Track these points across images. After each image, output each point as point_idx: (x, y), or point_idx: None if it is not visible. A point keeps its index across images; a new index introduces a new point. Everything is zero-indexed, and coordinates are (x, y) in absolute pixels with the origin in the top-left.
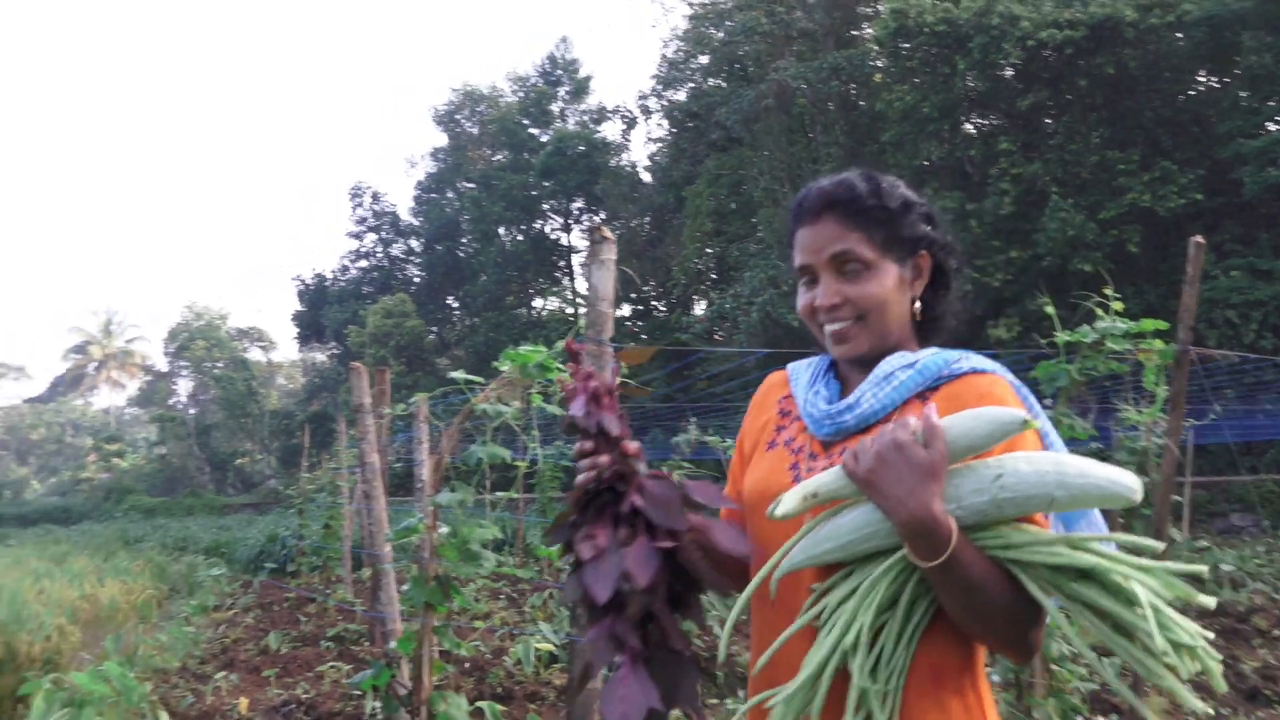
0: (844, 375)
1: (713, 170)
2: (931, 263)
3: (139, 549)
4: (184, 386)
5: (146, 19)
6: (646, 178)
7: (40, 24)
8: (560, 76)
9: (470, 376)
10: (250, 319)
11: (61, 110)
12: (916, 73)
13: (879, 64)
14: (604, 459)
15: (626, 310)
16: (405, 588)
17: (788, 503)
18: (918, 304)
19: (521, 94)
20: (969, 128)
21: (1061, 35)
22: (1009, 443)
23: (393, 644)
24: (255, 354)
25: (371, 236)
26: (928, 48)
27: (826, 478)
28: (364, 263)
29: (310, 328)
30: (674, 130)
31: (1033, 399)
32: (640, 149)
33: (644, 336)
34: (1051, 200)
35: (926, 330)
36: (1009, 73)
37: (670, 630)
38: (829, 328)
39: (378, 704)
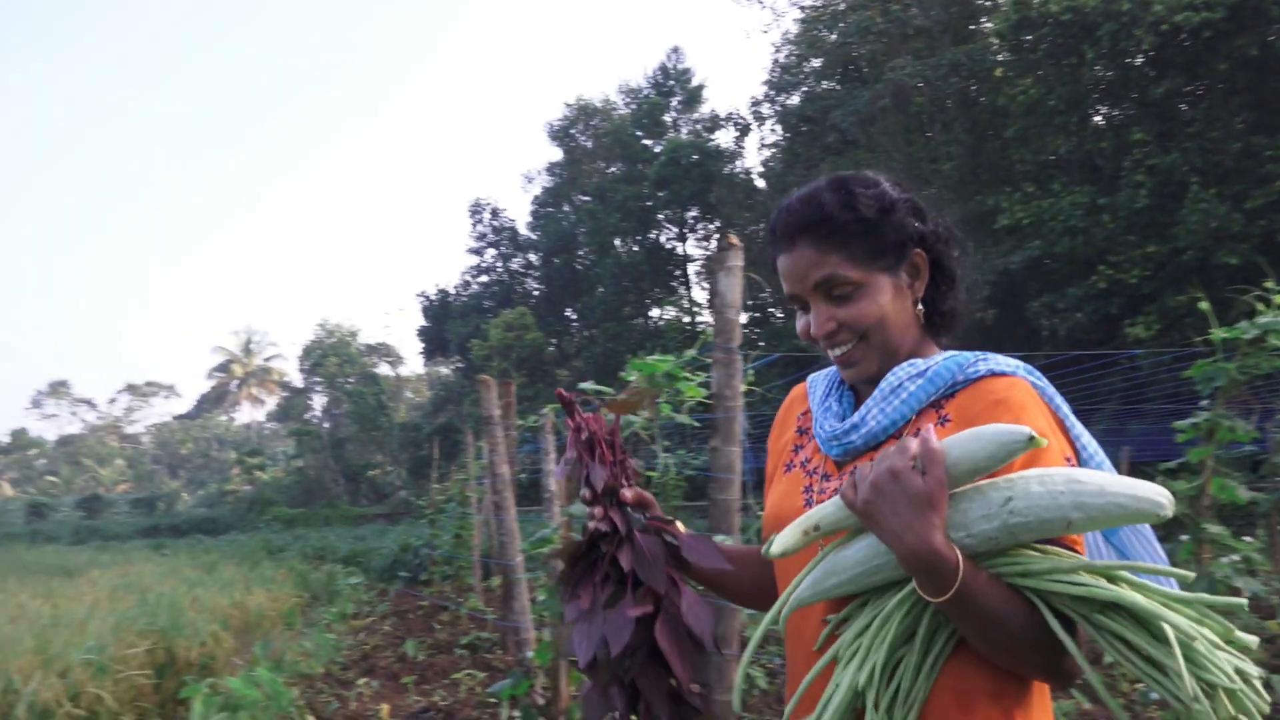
0: (858, 386)
1: (829, 174)
2: (929, 259)
3: (281, 558)
4: (318, 401)
5: (259, 42)
6: (761, 184)
7: (184, 48)
8: (672, 86)
9: (599, 387)
10: (379, 335)
11: (198, 144)
12: (1040, 65)
13: (1000, 58)
14: (598, 511)
15: (744, 318)
16: (538, 597)
17: (784, 540)
18: (921, 306)
19: (634, 106)
20: (1098, 119)
21: (1198, 18)
22: (1028, 458)
23: (529, 653)
24: (384, 369)
25: (491, 252)
26: (1052, 38)
27: (828, 509)
28: (485, 277)
29: (435, 342)
30: (788, 135)
31: (1062, 403)
32: (754, 155)
33: (761, 344)
34: (1191, 191)
35: (939, 328)
36: (1141, 60)
37: (651, 696)
38: (832, 354)
39: (515, 713)
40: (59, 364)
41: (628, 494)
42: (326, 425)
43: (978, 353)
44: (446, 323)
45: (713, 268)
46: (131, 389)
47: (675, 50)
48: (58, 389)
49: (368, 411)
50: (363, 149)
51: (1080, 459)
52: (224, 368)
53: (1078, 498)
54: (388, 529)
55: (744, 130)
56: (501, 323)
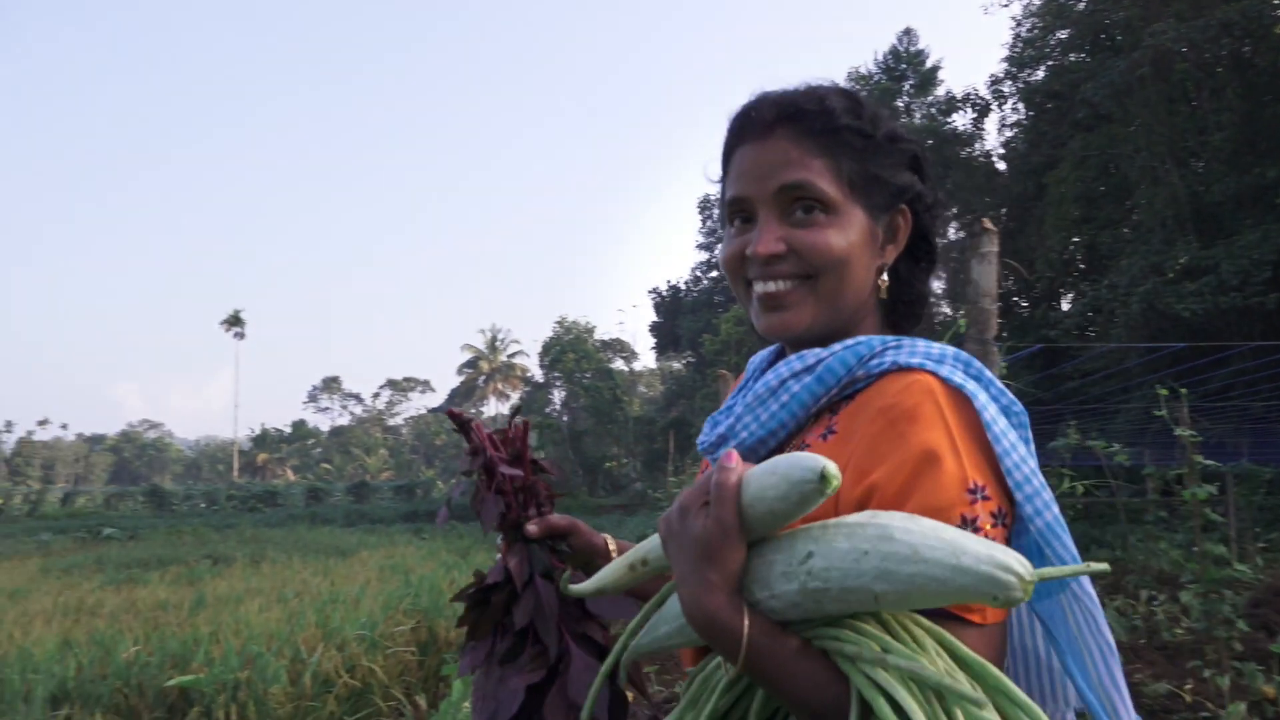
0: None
1: (1078, 152)
2: (913, 224)
3: None
4: (557, 396)
5: (493, 50)
6: (1001, 166)
7: (427, 61)
8: (904, 70)
9: None
10: (613, 331)
11: (449, 156)
12: None
13: None
14: (501, 548)
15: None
16: None
17: (602, 576)
18: (885, 276)
19: (865, 91)
20: None
21: None
22: (925, 494)
23: None
24: (618, 364)
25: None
26: None
27: (656, 541)
28: (715, 273)
29: (667, 337)
30: (1031, 113)
31: (994, 414)
32: (994, 137)
33: (1005, 335)
34: None
35: (900, 315)
36: None
37: None
38: (760, 287)
39: None
40: (332, 362)
41: (532, 528)
42: (565, 418)
43: (896, 338)
44: (678, 318)
45: (965, 254)
46: (392, 384)
47: (907, 32)
48: (330, 384)
49: (603, 405)
50: (594, 150)
51: (1012, 495)
52: (472, 364)
53: (883, 562)
54: (624, 520)
55: (983, 111)
56: (732, 317)
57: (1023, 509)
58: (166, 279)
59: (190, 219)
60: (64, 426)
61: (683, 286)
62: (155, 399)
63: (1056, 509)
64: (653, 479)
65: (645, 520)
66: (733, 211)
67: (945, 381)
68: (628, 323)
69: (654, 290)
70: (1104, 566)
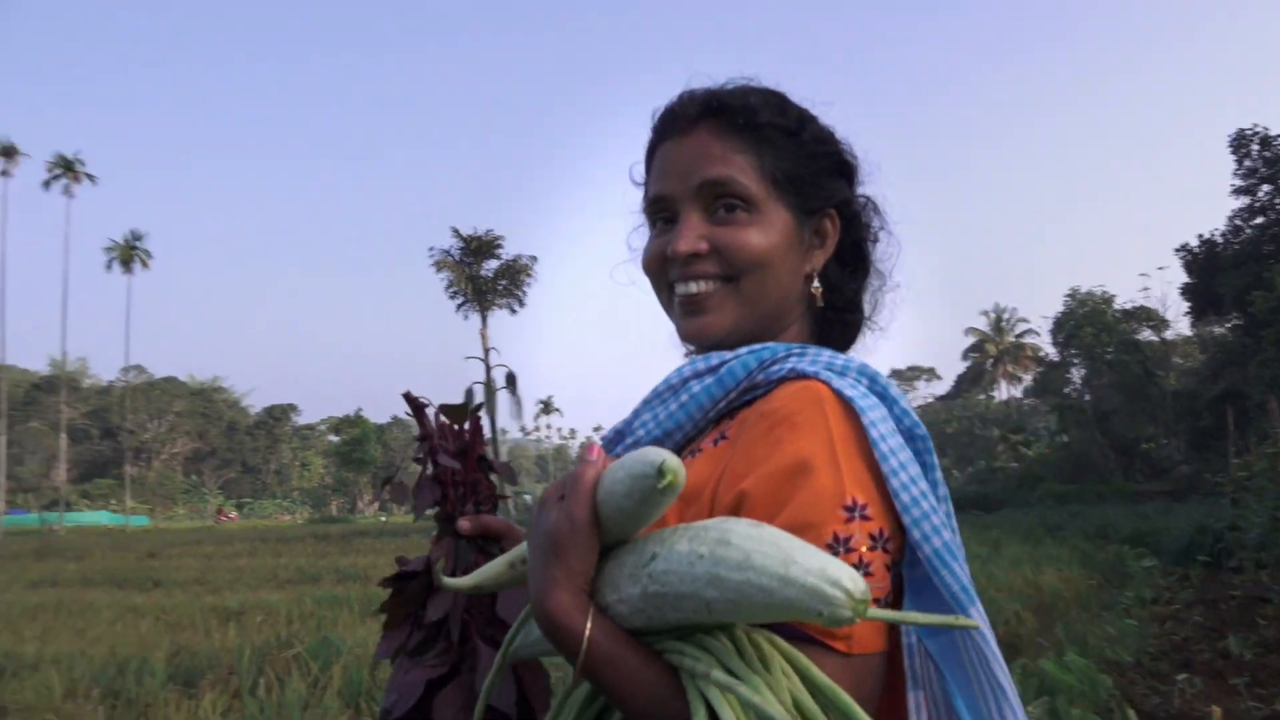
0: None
1: None
2: (840, 229)
3: (1061, 536)
4: (1076, 374)
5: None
6: None
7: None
8: None
9: None
10: (1136, 299)
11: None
12: None
13: None
14: (431, 540)
15: None
16: None
17: (482, 573)
18: (816, 282)
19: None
20: None
21: None
22: (796, 507)
23: None
24: (1146, 334)
25: (1266, 188)
26: None
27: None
28: (1260, 219)
29: (1203, 300)
30: None
31: (883, 434)
32: None
33: None
34: None
35: (828, 321)
36: None
37: None
38: (681, 289)
39: None
40: None
41: (464, 524)
42: (1088, 398)
43: (803, 346)
44: (1216, 276)
45: None
46: (897, 374)
47: None
48: None
49: (1133, 381)
50: (1084, 107)
51: (901, 513)
52: (977, 348)
53: (715, 567)
54: (1172, 507)
55: None
56: None
57: (911, 532)
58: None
59: None
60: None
61: (1219, 239)
62: None
63: (949, 535)
64: (1203, 460)
65: (1201, 507)
66: (654, 211)
67: (837, 392)
68: (1153, 287)
69: (1183, 247)
70: (973, 623)
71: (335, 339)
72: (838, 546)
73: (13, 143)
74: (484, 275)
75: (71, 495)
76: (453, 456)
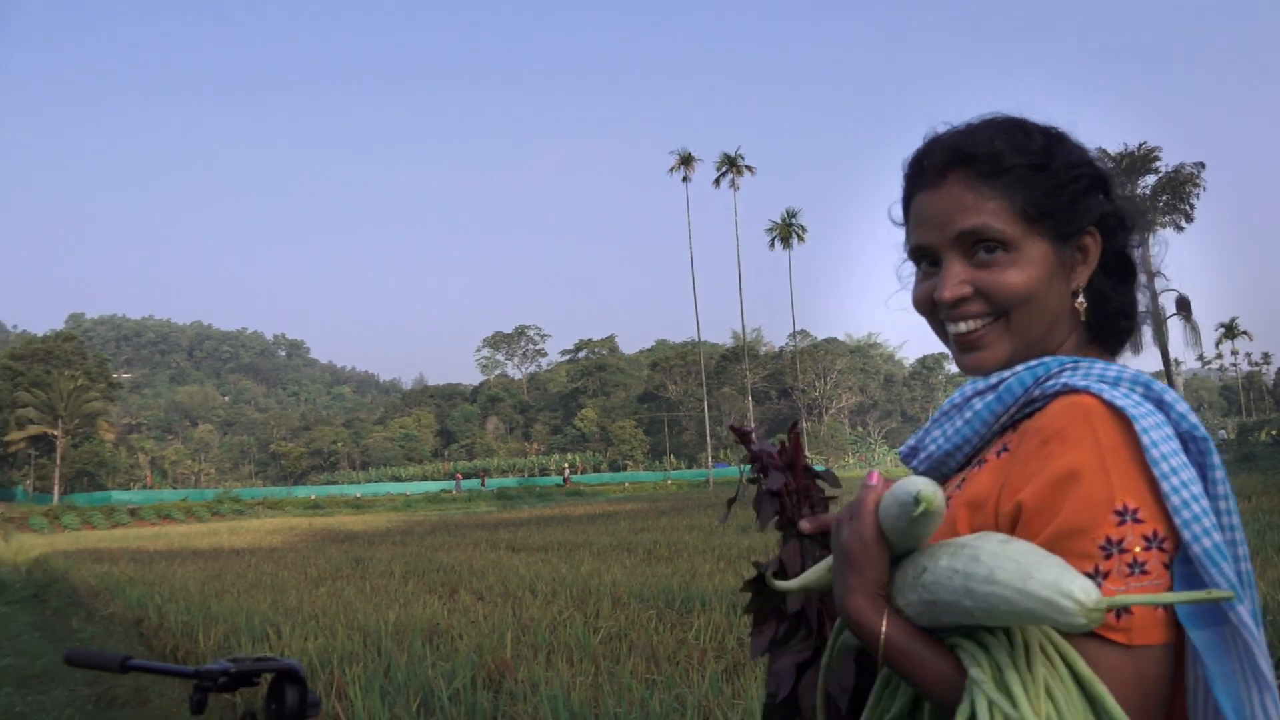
0: None
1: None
2: (1101, 243)
3: None
4: None
5: None
6: None
7: None
8: None
9: None
10: None
11: None
12: None
13: None
14: (779, 544)
15: None
16: None
17: (809, 574)
18: (1081, 298)
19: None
20: None
21: None
22: (1067, 514)
23: None
24: None
25: None
26: None
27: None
28: None
29: None
30: None
31: (1156, 439)
32: None
33: None
34: None
35: (1105, 333)
36: None
37: None
38: (953, 329)
39: None
40: None
41: (805, 525)
42: None
43: (1075, 359)
44: None
45: None
46: None
47: None
48: None
49: None
50: None
51: (1173, 515)
52: None
53: (967, 581)
54: None
55: None
56: None
57: (1183, 533)
58: None
59: None
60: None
61: None
62: None
63: (1219, 536)
64: None
65: None
66: (918, 257)
67: (1108, 403)
68: None
69: None
70: (1226, 594)
71: None
72: (1111, 549)
73: (690, 151)
74: (1141, 193)
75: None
76: (780, 470)
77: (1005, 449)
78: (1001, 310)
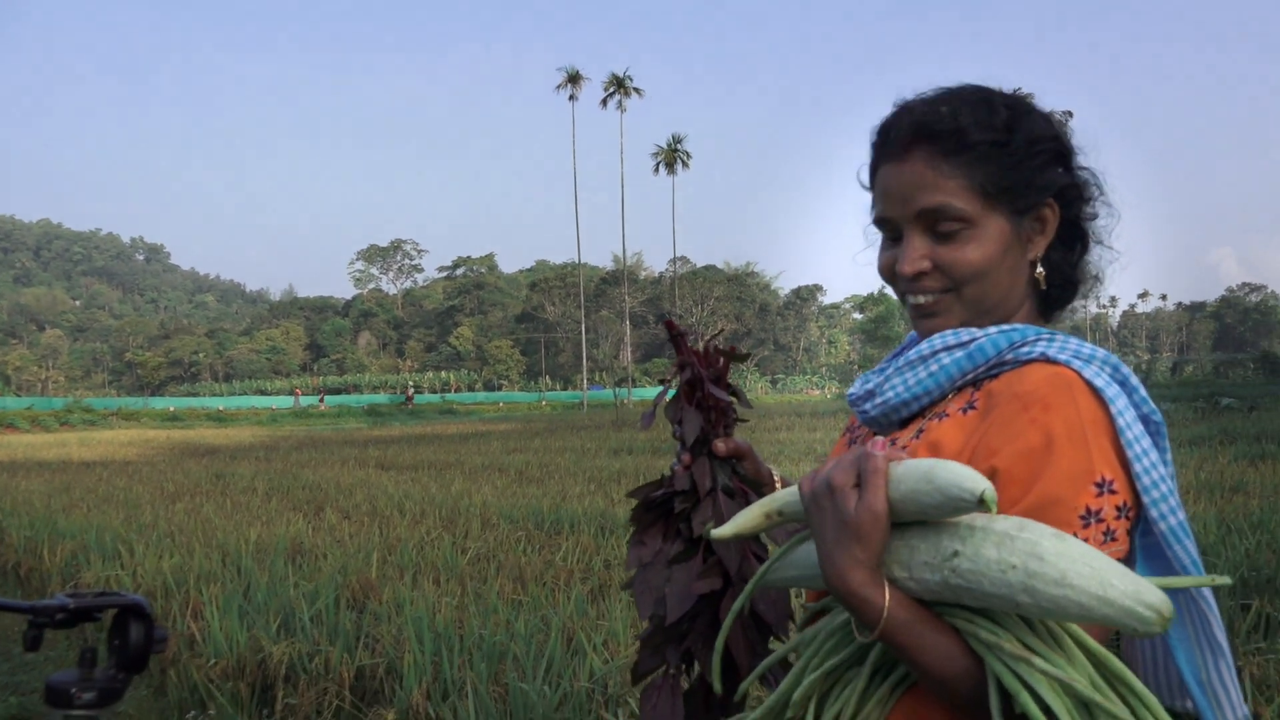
0: None
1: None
2: (1060, 215)
3: None
4: None
5: None
6: None
7: None
8: None
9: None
10: None
11: None
12: None
13: None
14: (685, 459)
15: None
16: None
17: (740, 520)
18: (1040, 268)
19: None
20: None
21: None
22: (1049, 482)
23: None
24: None
25: None
26: None
27: (792, 495)
28: None
29: None
30: None
31: (1131, 419)
32: None
33: None
34: None
35: (1056, 299)
36: None
37: (705, 665)
38: (912, 300)
39: None
40: None
41: (720, 446)
42: None
43: (1051, 331)
44: None
45: None
46: None
47: None
48: None
49: None
50: None
51: (1137, 498)
52: None
53: (1030, 580)
54: None
55: None
56: None
57: (1149, 510)
58: (1258, 131)
59: None
60: (1163, 297)
61: None
62: (1254, 260)
63: (1182, 515)
64: None
65: None
66: (881, 228)
67: (1087, 381)
68: None
69: None
70: (1226, 580)
71: (856, 220)
72: (1090, 519)
73: (578, 69)
74: None
75: (635, 373)
76: (710, 382)
77: (972, 406)
78: (957, 285)
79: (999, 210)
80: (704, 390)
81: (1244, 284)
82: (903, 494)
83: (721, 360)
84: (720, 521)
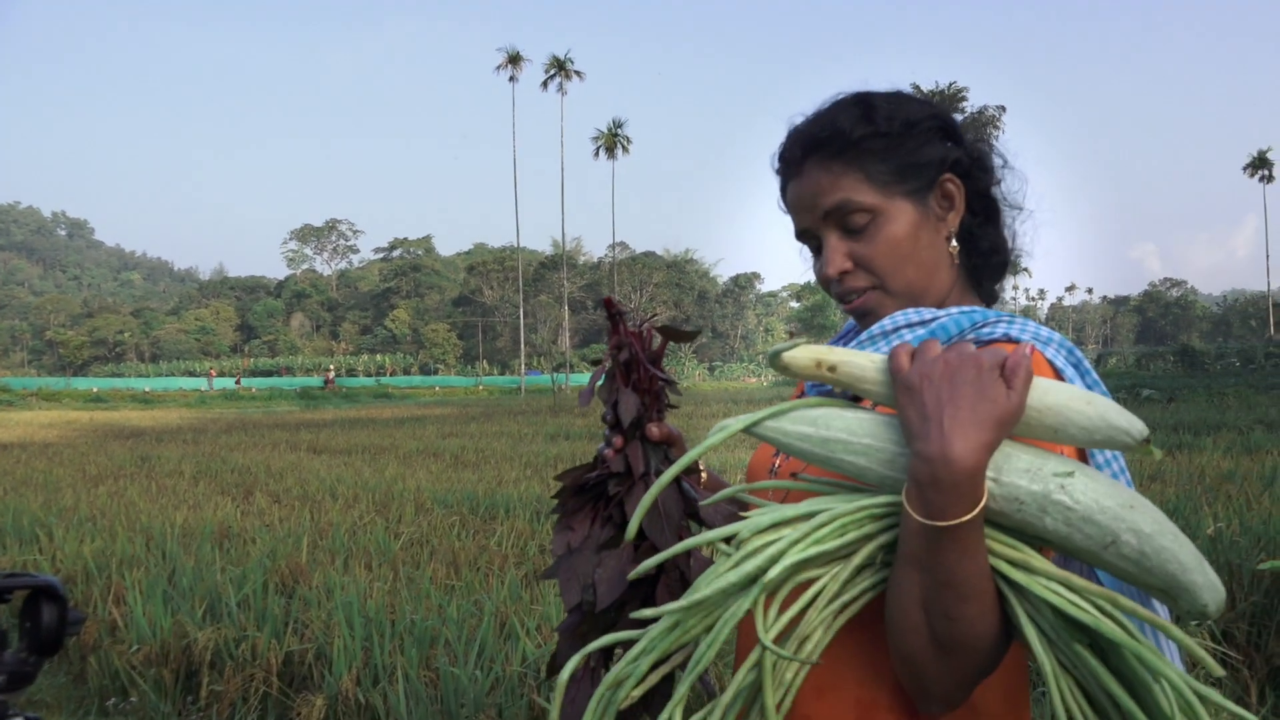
0: None
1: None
2: (964, 187)
3: None
4: None
5: None
6: None
7: None
8: None
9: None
10: None
11: None
12: None
13: None
14: (616, 442)
15: None
16: None
17: (794, 355)
18: (954, 243)
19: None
20: None
21: None
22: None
23: None
24: None
25: None
26: None
27: (858, 358)
28: None
29: None
30: None
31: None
32: None
33: None
34: None
35: (981, 273)
36: None
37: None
38: (844, 306)
39: None
40: None
41: (654, 430)
42: None
43: (1010, 315)
44: None
45: None
46: None
47: None
48: None
49: None
50: None
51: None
52: None
53: (1135, 524)
54: None
55: None
56: None
57: None
58: (1180, 132)
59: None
60: (1089, 291)
61: None
62: (1175, 257)
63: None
64: None
65: None
66: (803, 241)
67: (1049, 361)
68: None
69: None
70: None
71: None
72: None
73: (518, 50)
74: None
75: (573, 358)
76: (647, 364)
77: None
78: (879, 280)
79: (897, 195)
80: (642, 372)
81: (1165, 279)
82: (1049, 404)
83: (658, 342)
84: (653, 507)
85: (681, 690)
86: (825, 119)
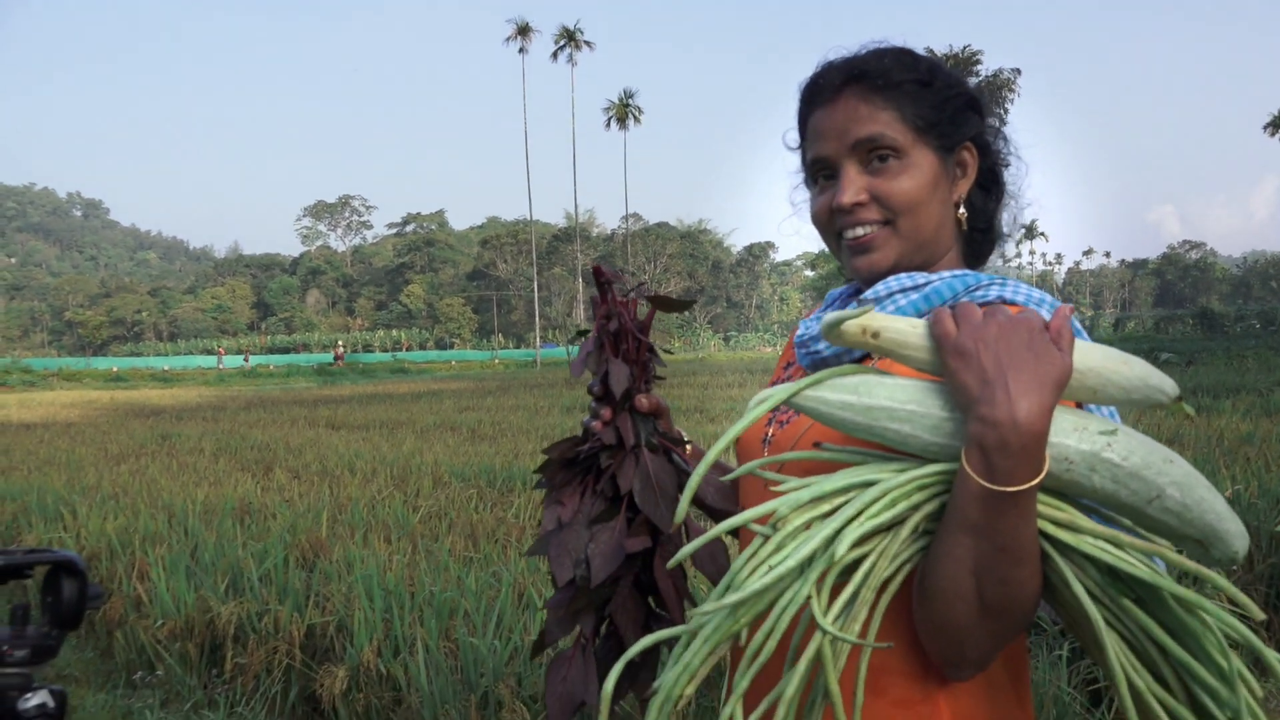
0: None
1: None
2: (979, 160)
3: None
4: None
5: None
6: None
7: None
8: None
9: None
10: None
11: None
12: None
13: None
14: (605, 414)
15: None
16: None
17: (849, 327)
18: (963, 210)
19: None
20: None
21: None
22: None
23: None
24: None
25: None
26: None
27: (900, 323)
28: None
29: None
30: None
31: None
32: None
33: None
34: None
35: (978, 245)
36: None
37: (627, 631)
38: (849, 234)
39: None
40: None
41: (643, 401)
42: None
43: (1003, 277)
44: None
45: None
46: None
47: None
48: None
49: None
50: None
51: None
52: None
53: (1173, 478)
54: None
55: None
56: None
57: None
58: (1198, 92)
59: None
60: (1107, 254)
61: None
62: (1194, 219)
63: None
64: None
65: None
66: (815, 171)
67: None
68: None
69: None
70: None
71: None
72: None
73: (528, 21)
74: None
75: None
76: (636, 334)
77: None
78: (893, 216)
79: (927, 144)
80: (630, 342)
81: (1185, 241)
82: (1090, 366)
83: (647, 314)
84: (646, 479)
85: (743, 685)
86: (871, 56)
